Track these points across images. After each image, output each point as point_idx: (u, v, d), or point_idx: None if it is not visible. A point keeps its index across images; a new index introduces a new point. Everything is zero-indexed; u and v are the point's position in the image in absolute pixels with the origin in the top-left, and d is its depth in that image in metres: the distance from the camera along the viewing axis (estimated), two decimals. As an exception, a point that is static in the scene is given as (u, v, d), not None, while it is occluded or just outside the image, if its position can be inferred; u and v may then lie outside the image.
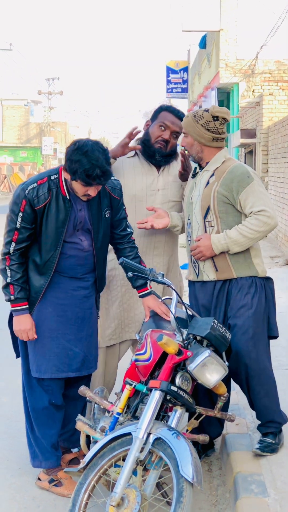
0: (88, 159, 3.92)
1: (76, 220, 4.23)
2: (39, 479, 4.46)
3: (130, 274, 3.99)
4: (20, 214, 4.13)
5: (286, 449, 4.47)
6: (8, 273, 4.21)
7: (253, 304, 4.37)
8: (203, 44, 28.54)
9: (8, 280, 4.22)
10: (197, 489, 3.68)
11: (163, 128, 4.80)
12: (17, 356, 4.54)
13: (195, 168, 4.60)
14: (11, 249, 4.20)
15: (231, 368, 4.37)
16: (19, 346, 4.44)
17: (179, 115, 4.83)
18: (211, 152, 4.49)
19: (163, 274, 4.00)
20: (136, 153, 4.92)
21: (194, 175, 4.59)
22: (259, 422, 4.59)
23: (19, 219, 4.14)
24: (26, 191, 4.12)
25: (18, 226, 4.16)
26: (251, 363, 4.31)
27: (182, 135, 4.61)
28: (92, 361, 4.48)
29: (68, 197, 4.17)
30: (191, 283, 4.66)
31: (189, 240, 4.54)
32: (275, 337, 4.57)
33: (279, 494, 3.90)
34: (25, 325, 4.24)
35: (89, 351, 4.45)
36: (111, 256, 4.79)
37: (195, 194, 4.49)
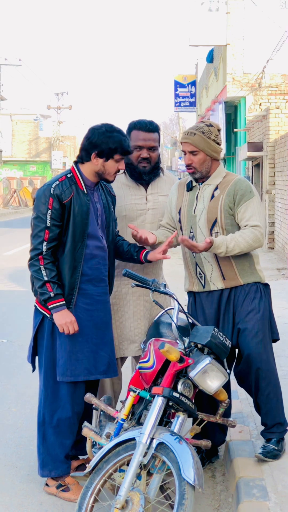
0: (121, 134, 4.42)
1: (96, 213, 4.48)
2: (46, 484, 4.57)
3: (133, 284, 4.14)
4: (49, 212, 4.29)
5: (287, 455, 4.58)
6: (44, 272, 4.31)
7: (260, 308, 4.56)
8: (210, 58, 28.79)
9: (45, 278, 4.31)
10: (199, 492, 3.79)
11: (138, 149, 4.84)
12: (34, 369, 4.66)
13: (191, 181, 4.71)
14: (44, 248, 4.31)
15: (240, 371, 4.55)
16: (44, 356, 4.49)
17: (149, 128, 4.85)
18: (215, 166, 4.63)
19: (165, 285, 4.14)
20: (124, 171, 4.96)
21: (190, 189, 4.71)
22: (262, 429, 4.71)
23: (48, 217, 4.30)
24: (52, 189, 4.32)
25: (48, 224, 4.30)
26: (262, 365, 4.48)
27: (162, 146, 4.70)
28: (115, 365, 4.63)
29: (85, 191, 4.42)
30: (193, 294, 4.77)
31: (193, 253, 4.64)
32: (277, 340, 4.74)
33: (280, 498, 4.01)
34: (69, 317, 4.36)
35: (113, 355, 4.61)
36: None
37: (198, 207, 4.61)
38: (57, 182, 4.36)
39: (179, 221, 4.72)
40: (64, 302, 4.35)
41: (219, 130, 4.58)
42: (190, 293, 4.80)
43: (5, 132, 59.62)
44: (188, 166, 4.59)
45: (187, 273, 4.79)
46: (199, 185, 4.66)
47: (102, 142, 4.36)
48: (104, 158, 4.39)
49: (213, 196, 4.57)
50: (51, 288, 4.32)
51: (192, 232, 4.64)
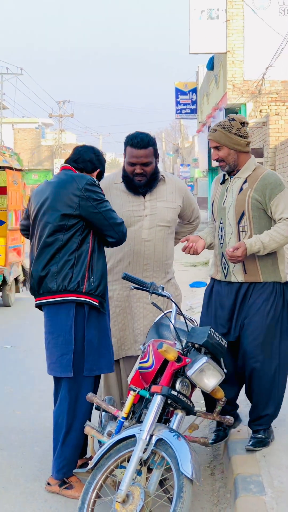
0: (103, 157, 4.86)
1: None
2: (48, 483, 4.68)
3: (132, 287, 4.29)
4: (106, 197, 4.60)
5: (283, 452, 4.72)
6: None
7: (270, 312, 4.71)
8: (210, 65, 28.93)
9: None
10: (197, 486, 3.93)
11: (132, 165, 5.02)
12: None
13: (224, 175, 4.90)
14: None
15: (238, 364, 4.77)
16: (75, 359, 4.52)
17: (140, 145, 4.96)
18: (244, 158, 4.82)
19: (163, 287, 4.30)
20: (123, 180, 5.14)
21: (223, 182, 4.90)
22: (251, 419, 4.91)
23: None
24: (96, 182, 4.58)
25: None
26: (257, 365, 4.67)
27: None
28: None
29: None
30: (215, 281, 4.96)
31: (221, 243, 4.85)
32: None
33: (276, 492, 4.15)
34: None
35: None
36: (109, 278, 5.12)
37: (228, 199, 4.81)
38: (89, 176, 4.60)
39: (212, 212, 4.96)
40: None
41: (242, 123, 4.75)
42: (212, 279, 5.00)
43: (7, 140, 59.82)
44: (217, 160, 4.81)
45: (214, 260, 5.00)
46: (230, 178, 4.85)
47: (102, 164, 4.76)
48: (100, 168, 4.75)
49: (241, 189, 4.76)
50: None
51: (221, 223, 4.84)
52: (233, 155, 4.76)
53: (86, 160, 4.71)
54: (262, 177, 4.75)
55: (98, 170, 4.77)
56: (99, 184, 4.60)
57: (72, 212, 4.47)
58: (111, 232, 4.52)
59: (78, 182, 4.50)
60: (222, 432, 4.99)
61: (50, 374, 4.67)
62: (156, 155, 5.08)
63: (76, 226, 4.50)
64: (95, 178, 4.67)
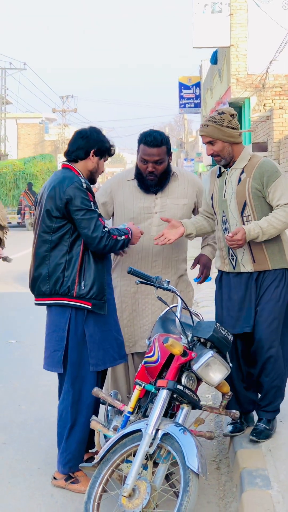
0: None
1: None
2: (54, 478, 4.69)
3: (137, 282, 4.28)
4: (91, 204, 4.46)
5: (289, 446, 4.73)
6: (119, 238, 4.52)
7: (281, 297, 4.78)
8: (214, 59, 28.88)
9: (123, 237, 4.55)
10: (203, 480, 3.93)
11: (144, 163, 5.02)
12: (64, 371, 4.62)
13: (220, 168, 4.91)
14: (107, 229, 4.49)
15: (250, 353, 4.81)
16: (71, 357, 4.54)
17: (153, 144, 4.95)
18: (238, 149, 4.82)
19: (168, 282, 4.29)
20: (135, 177, 5.14)
21: (219, 175, 4.90)
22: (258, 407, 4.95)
23: (93, 207, 4.47)
24: (83, 184, 4.46)
25: (98, 212, 4.50)
26: (273, 352, 4.73)
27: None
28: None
29: None
30: (223, 273, 4.97)
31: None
32: None
33: (282, 486, 4.15)
34: (136, 231, 4.70)
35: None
36: (114, 274, 5.11)
37: (228, 191, 4.82)
38: (79, 177, 4.48)
39: (212, 206, 4.95)
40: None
41: (232, 115, 4.76)
42: (220, 271, 5.01)
43: (11, 135, 59.82)
44: (212, 155, 4.81)
45: (219, 253, 5.00)
46: (227, 170, 4.86)
47: (100, 141, 4.62)
48: (99, 156, 4.63)
49: (240, 179, 4.78)
50: (124, 235, 4.58)
51: (224, 216, 4.85)
52: (227, 147, 4.77)
53: (74, 149, 4.63)
54: (258, 165, 4.77)
55: (93, 150, 4.62)
56: (87, 188, 4.45)
57: (58, 215, 4.45)
58: (85, 240, 4.46)
59: (66, 184, 4.44)
60: (239, 425, 5.01)
61: (44, 369, 4.74)
62: (169, 153, 5.08)
63: (64, 229, 4.47)
64: (84, 179, 4.50)
